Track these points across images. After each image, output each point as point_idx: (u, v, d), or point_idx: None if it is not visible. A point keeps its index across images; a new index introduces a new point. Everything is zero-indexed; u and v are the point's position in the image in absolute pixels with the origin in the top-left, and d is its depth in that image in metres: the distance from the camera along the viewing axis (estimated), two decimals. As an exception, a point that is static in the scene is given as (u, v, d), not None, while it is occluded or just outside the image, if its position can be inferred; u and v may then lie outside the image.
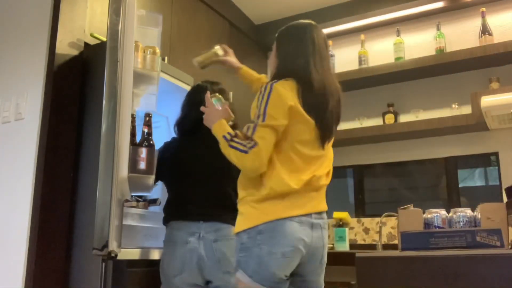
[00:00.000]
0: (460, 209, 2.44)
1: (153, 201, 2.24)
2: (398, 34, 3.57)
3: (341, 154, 3.70)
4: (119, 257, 1.73)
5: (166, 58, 2.68)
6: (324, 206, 1.71)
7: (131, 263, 2.01)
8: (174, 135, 2.17)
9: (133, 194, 2.06)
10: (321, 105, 1.66)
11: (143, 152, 1.81)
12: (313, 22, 1.79)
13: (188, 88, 2.63)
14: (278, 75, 1.70)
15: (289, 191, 1.59)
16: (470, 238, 2.32)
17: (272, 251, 1.54)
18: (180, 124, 2.10)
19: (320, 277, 1.72)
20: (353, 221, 3.54)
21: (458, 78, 3.41)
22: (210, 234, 1.90)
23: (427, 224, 2.30)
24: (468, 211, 2.41)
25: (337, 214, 3.40)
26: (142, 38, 2.12)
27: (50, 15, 2.18)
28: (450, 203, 3.28)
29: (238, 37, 3.74)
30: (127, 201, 1.75)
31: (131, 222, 2.10)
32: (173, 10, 2.95)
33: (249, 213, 1.60)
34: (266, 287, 1.54)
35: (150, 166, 1.82)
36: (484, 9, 3.29)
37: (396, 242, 3.12)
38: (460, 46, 3.32)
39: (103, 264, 1.68)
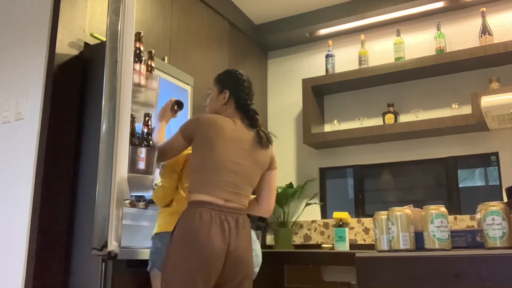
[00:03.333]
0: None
1: (153, 201, 2.24)
2: (398, 34, 3.57)
3: (341, 154, 3.70)
4: (119, 257, 1.74)
5: (166, 58, 2.68)
6: None
7: (131, 263, 2.01)
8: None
9: (132, 194, 2.06)
10: None
11: (143, 152, 1.81)
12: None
13: (188, 88, 2.63)
14: None
15: None
16: (470, 238, 2.32)
17: None
18: None
19: None
20: (353, 221, 3.54)
21: (458, 78, 3.40)
22: None
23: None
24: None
25: (337, 214, 3.39)
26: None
27: (50, 15, 2.18)
28: (450, 203, 3.28)
29: (238, 37, 3.74)
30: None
31: (131, 222, 2.10)
32: (173, 10, 2.95)
33: None
34: None
35: (150, 166, 1.81)
36: (484, 9, 3.29)
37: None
38: (460, 46, 3.32)
39: (103, 264, 1.68)
